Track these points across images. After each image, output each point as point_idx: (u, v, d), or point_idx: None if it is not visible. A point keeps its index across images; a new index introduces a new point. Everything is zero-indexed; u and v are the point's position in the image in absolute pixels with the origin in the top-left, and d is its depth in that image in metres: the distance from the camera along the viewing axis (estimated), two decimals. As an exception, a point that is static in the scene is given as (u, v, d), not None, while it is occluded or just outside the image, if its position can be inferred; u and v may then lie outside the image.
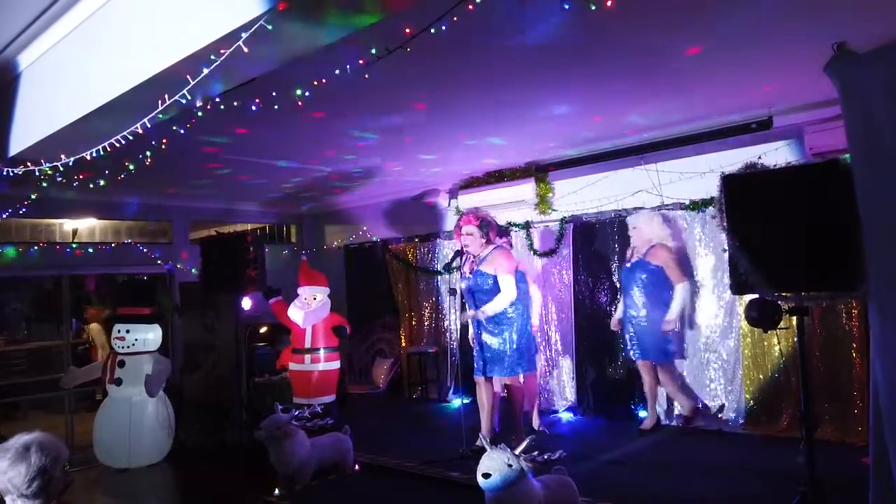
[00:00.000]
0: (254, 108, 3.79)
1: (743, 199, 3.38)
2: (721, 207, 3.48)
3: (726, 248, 3.56)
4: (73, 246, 7.96)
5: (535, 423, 6.08)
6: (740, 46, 3.95)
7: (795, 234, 3.18)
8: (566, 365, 7.01)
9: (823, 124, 5.24)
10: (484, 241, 5.32)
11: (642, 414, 6.22)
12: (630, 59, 4.07)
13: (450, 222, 8.22)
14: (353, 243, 9.44)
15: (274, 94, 3.69)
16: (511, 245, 6.06)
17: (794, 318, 3.38)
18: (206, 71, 2.96)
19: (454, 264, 5.56)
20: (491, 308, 5.19)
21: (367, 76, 3.47)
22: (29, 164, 4.42)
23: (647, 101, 5.07)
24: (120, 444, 6.25)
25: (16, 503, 2.10)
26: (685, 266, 5.92)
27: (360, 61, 3.24)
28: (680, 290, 5.68)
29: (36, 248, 7.58)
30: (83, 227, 8.78)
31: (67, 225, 8.65)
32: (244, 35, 2.70)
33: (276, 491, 4.90)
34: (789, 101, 5.27)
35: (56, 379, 7.04)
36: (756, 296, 3.40)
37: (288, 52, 3.09)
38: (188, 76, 3.04)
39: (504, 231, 5.99)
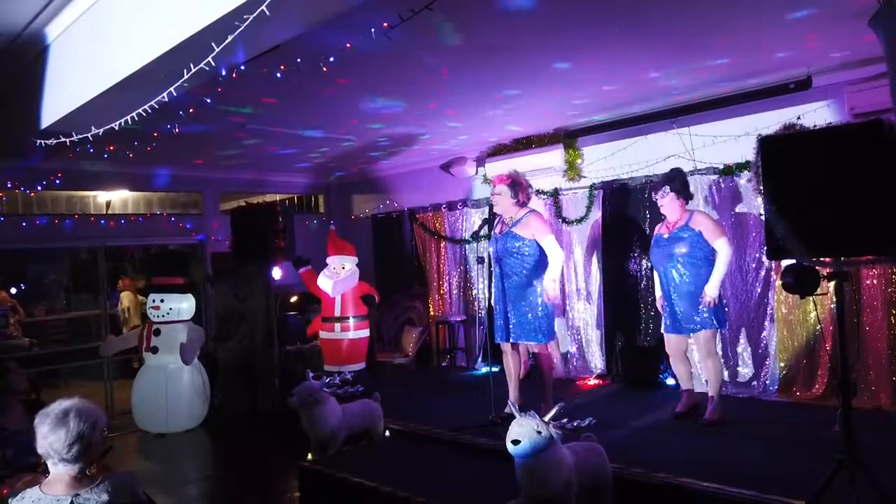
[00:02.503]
0: (278, 75, 3.76)
1: (780, 161, 3.27)
2: (757, 170, 3.37)
3: (762, 212, 3.46)
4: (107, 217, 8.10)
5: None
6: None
7: (836, 197, 3.07)
8: (595, 333, 6.98)
9: (865, 83, 5.05)
10: (514, 201, 5.18)
11: (670, 381, 6.20)
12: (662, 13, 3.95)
13: (477, 191, 8.17)
14: (381, 212, 9.44)
15: (299, 60, 3.66)
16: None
17: (832, 283, 3.28)
18: (230, 38, 2.93)
19: (482, 233, 5.47)
20: (555, 276, 5.07)
21: (391, 40, 3.41)
22: (60, 136, 4.47)
23: (681, 60, 4.93)
24: (157, 411, 6.44)
25: (57, 467, 2.16)
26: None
27: (385, 24, 3.18)
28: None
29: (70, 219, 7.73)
30: (116, 198, 8.92)
31: (101, 197, 8.79)
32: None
33: (309, 456, 4.99)
34: (829, 60, 5.07)
35: (94, 347, 7.23)
36: (793, 261, 3.30)
37: (310, 16, 3.05)
38: (213, 44, 3.02)
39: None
